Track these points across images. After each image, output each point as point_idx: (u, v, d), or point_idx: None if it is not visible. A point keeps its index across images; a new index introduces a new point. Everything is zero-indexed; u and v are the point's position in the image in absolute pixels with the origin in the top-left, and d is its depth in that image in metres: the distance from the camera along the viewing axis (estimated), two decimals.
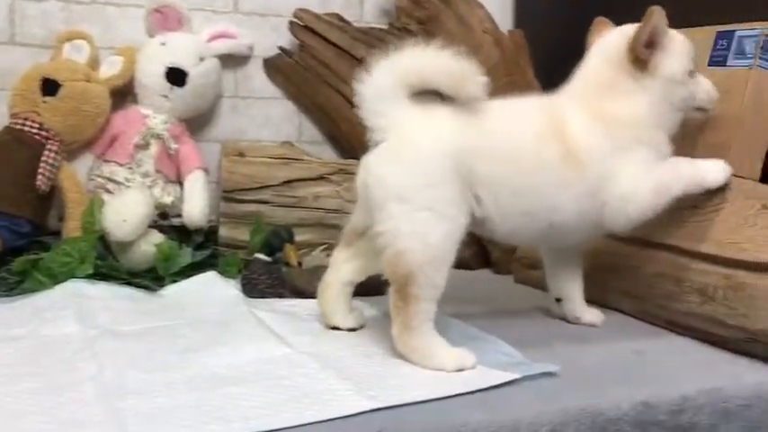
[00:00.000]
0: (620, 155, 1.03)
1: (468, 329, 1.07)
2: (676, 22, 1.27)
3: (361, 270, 1.08)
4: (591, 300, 1.23)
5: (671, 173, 1.07)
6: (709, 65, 1.20)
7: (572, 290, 1.17)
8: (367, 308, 1.20)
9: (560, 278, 1.18)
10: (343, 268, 1.08)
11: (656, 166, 1.05)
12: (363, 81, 0.96)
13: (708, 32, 1.21)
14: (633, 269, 1.17)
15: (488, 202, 0.98)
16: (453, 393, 0.82)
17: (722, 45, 1.19)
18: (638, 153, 1.04)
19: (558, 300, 1.19)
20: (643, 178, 1.04)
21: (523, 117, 1.03)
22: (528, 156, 1.00)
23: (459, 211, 0.95)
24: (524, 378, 0.87)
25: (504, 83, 1.48)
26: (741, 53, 1.16)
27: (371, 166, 0.96)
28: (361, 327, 1.08)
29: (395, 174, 0.94)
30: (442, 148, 0.95)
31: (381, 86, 0.96)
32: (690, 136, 1.20)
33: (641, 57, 1.04)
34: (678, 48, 1.07)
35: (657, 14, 1.03)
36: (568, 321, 1.17)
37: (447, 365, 0.90)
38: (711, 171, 1.09)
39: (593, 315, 1.16)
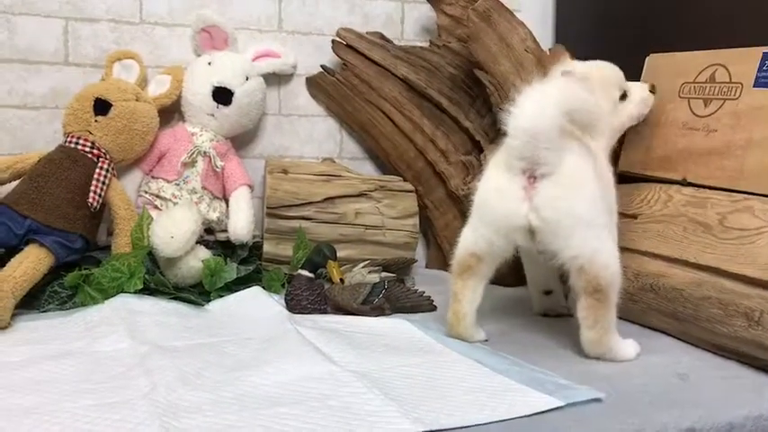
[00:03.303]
0: None
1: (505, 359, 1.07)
2: (722, 42, 1.27)
3: (482, 292, 1.15)
4: (633, 321, 1.23)
5: None
6: (755, 86, 1.19)
7: (557, 283, 1.31)
8: (409, 326, 1.21)
9: (546, 274, 1.30)
10: (471, 297, 1.14)
11: None
12: (527, 115, 0.99)
13: (754, 53, 1.20)
14: (677, 291, 1.16)
15: None
16: (497, 419, 0.83)
17: None
18: None
19: (548, 292, 1.32)
20: None
21: None
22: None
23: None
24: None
25: None
26: None
27: (552, 199, 1.02)
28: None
29: (580, 204, 1.03)
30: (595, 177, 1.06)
31: (551, 122, 0.99)
32: (736, 158, 1.20)
33: None
34: None
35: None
36: (552, 313, 1.33)
37: (631, 354, 1.07)
38: None
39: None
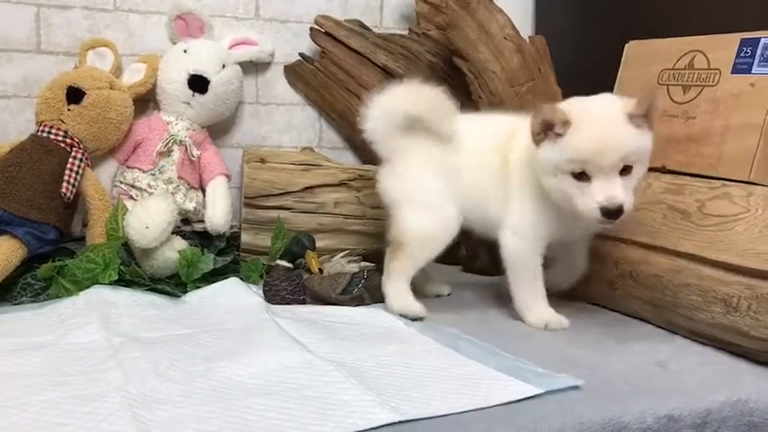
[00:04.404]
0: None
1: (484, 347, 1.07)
2: (701, 28, 1.27)
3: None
4: (612, 308, 1.23)
5: None
6: (732, 72, 1.19)
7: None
8: (387, 316, 1.20)
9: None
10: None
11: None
12: (369, 116, 1.28)
13: (732, 39, 1.20)
14: (656, 278, 1.16)
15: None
16: (475, 407, 0.82)
17: (746, 52, 1.18)
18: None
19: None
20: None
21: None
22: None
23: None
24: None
25: (525, 89, 1.49)
26: (766, 60, 1.15)
27: (385, 179, 1.31)
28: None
29: (400, 184, 1.28)
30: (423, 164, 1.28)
31: (382, 123, 1.28)
32: (714, 144, 1.20)
33: (533, 136, 1.12)
34: (560, 144, 1.08)
35: (543, 111, 1.09)
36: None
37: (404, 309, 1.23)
38: None
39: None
